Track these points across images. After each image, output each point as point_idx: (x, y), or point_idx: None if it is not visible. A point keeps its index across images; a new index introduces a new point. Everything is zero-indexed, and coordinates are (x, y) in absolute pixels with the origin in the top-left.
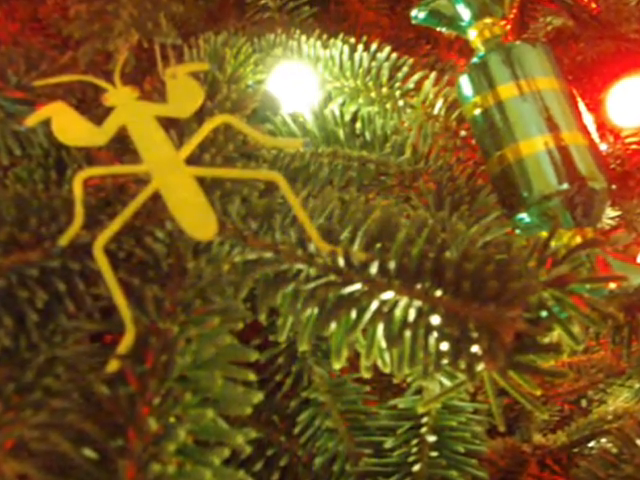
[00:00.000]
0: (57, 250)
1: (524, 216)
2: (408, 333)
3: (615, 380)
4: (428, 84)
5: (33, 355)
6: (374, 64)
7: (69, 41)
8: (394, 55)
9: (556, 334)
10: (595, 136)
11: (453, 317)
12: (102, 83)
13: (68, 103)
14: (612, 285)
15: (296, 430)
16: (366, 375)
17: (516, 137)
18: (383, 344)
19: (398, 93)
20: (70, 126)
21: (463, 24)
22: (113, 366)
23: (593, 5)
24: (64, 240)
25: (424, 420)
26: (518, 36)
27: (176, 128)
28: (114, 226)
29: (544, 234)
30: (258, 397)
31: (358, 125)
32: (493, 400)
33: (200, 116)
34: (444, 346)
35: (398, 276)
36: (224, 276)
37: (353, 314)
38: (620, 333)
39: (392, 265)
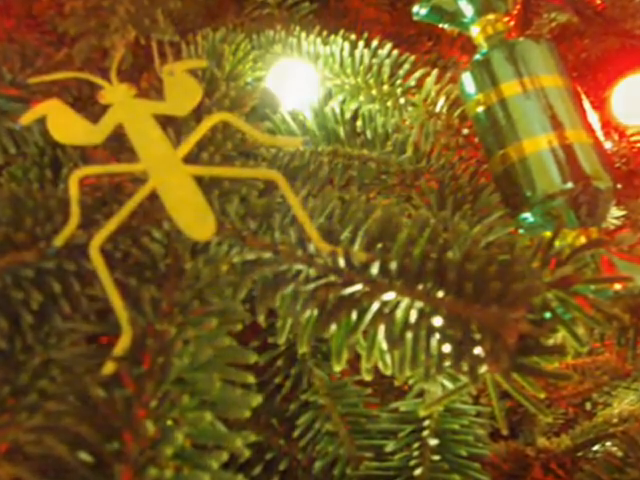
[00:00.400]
0: (52, 250)
1: (527, 216)
2: (410, 335)
3: (620, 382)
4: (430, 81)
5: (28, 357)
6: (375, 61)
7: (65, 38)
8: (395, 52)
9: (560, 336)
10: (600, 134)
11: (455, 318)
12: (98, 80)
13: (64, 101)
14: (617, 286)
15: (295, 433)
16: (367, 377)
17: (519, 135)
18: (384, 346)
19: (399, 91)
20: (66, 124)
21: (465, 20)
22: (109, 368)
23: (598, 1)
24: (59, 240)
25: (426, 423)
26: (521, 32)
27: (174, 126)
28: (110, 226)
29: (548, 234)
30: (257, 400)
31: (359, 123)
32: (496, 403)
33: (198, 114)
34: (446, 348)
35: (399, 277)
36: (222, 277)
37: (354, 315)
38: (625, 335)
39: (393, 266)
